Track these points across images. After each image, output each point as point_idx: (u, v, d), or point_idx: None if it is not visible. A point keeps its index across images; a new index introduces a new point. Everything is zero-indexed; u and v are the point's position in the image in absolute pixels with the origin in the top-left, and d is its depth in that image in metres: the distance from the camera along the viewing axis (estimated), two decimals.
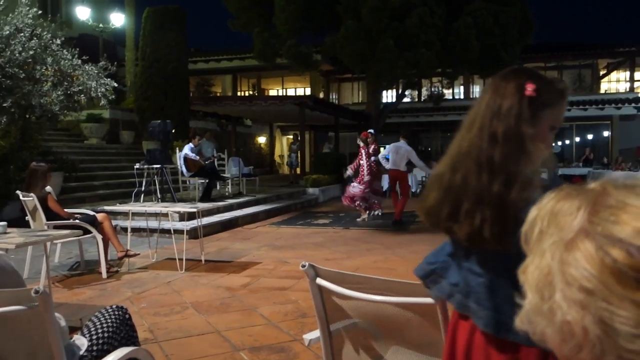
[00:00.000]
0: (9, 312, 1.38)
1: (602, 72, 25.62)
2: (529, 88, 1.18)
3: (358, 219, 9.69)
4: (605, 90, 25.55)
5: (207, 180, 9.79)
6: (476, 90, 26.90)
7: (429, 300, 1.41)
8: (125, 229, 6.64)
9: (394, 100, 21.63)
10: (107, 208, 7.10)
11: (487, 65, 16.52)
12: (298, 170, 17.53)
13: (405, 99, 21.78)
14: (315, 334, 1.81)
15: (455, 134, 1.27)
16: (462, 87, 25.64)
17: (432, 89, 20.62)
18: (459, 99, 25.56)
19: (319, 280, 1.64)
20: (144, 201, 8.77)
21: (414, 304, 1.46)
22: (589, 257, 0.46)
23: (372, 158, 9.41)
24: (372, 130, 9.99)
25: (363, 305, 1.59)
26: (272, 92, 27.34)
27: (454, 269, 1.28)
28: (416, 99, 24.38)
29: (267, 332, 3.59)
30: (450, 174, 1.22)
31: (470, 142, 1.20)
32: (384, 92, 22.23)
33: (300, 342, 3.35)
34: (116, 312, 1.97)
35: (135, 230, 6.66)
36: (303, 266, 1.64)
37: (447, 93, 22.36)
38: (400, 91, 19.76)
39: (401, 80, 18.89)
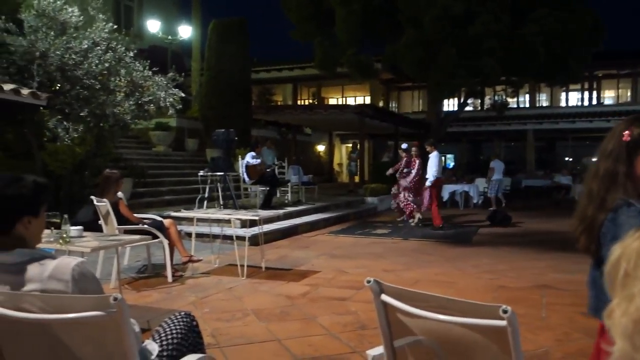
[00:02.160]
0: (89, 317, 1.46)
1: None
2: (625, 134, 1.55)
3: (412, 222, 10.28)
4: None
5: (267, 188, 9.96)
6: (542, 98, 25.97)
7: (498, 322, 1.37)
8: (189, 234, 6.86)
9: (456, 108, 21.21)
10: (172, 214, 7.36)
11: (554, 73, 15.93)
12: (357, 179, 17.52)
13: (468, 108, 21.29)
14: (379, 350, 1.79)
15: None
16: (527, 96, 24.83)
17: (496, 98, 20.05)
18: (525, 107, 24.75)
19: (384, 297, 1.63)
20: (206, 207, 9.03)
21: (482, 325, 1.42)
22: None
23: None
24: (405, 145, 10.89)
25: (428, 324, 1.57)
26: (332, 101, 27.50)
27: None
28: (479, 108, 23.83)
29: (326, 342, 3.60)
30: (581, 198, 1.67)
31: (587, 175, 1.66)
32: (445, 101, 21.83)
33: (360, 355, 3.33)
34: (184, 319, 2.03)
35: (198, 235, 6.87)
36: (368, 282, 1.63)
37: (512, 102, 21.68)
38: (462, 100, 19.36)
39: (463, 89, 18.51)
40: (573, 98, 25.64)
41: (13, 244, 1.59)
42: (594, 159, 1.65)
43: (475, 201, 14.55)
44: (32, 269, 1.56)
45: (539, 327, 3.90)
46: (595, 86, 24.61)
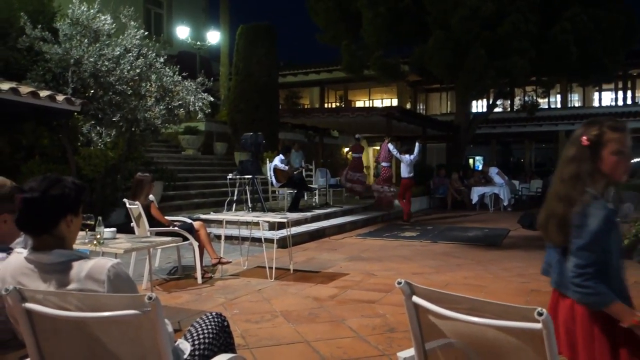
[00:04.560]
0: (125, 316, 1.49)
1: None
2: (583, 139, 1.82)
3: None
4: None
5: (295, 191, 10.00)
6: (574, 98, 25.38)
7: (533, 325, 1.35)
8: (218, 237, 6.94)
9: (485, 110, 20.92)
10: (202, 216, 7.46)
11: (587, 73, 15.58)
12: None
13: (497, 109, 20.96)
14: (410, 352, 1.78)
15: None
16: (559, 96, 24.29)
17: (526, 98, 19.68)
18: (555, 108, 24.23)
19: (415, 298, 1.61)
20: (235, 210, 9.12)
21: (517, 328, 1.40)
22: None
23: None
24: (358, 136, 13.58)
25: (461, 326, 1.54)
26: (359, 104, 27.44)
27: (550, 255, 1.99)
28: (508, 109, 23.43)
29: (355, 345, 3.59)
30: (549, 200, 1.93)
31: (553, 180, 1.93)
32: (474, 102, 21.56)
33: (389, 357, 3.31)
34: (216, 319, 2.06)
35: (227, 238, 6.94)
36: (399, 283, 1.62)
37: (543, 102, 21.22)
38: (491, 101, 19.09)
39: (492, 90, 18.26)
40: (606, 98, 24.98)
41: (53, 244, 1.64)
42: (558, 166, 1.92)
43: (505, 204, 14.32)
44: (70, 269, 1.61)
45: None
46: (629, 85, 23.93)
